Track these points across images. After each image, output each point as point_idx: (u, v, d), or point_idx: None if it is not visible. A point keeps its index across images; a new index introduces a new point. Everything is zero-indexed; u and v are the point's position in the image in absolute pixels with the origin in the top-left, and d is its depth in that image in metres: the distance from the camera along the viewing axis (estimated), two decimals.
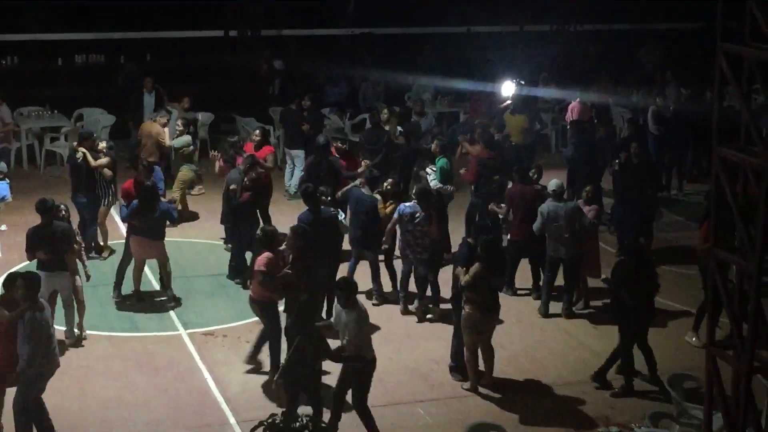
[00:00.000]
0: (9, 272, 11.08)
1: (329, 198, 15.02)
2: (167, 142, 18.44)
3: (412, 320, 14.48)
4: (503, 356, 13.40)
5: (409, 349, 13.51)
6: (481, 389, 12.52)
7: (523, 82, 21.81)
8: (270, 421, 8.91)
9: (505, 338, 13.98)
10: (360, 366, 10.96)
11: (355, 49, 28.27)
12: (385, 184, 15.22)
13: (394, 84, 25.46)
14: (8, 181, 16.67)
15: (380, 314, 14.40)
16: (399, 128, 19.40)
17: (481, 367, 12.68)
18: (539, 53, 26.76)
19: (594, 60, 27.14)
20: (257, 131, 18.08)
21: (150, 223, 14.24)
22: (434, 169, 17.01)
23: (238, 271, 15.54)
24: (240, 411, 11.83)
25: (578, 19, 28.21)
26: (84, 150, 16.17)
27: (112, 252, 16.22)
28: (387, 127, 19.38)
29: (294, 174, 19.83)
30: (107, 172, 16.25)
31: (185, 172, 18.10)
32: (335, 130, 21.22)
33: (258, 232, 12.96)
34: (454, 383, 12.72)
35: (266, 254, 12.37)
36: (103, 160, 16.27)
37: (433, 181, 16.76)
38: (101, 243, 16.57)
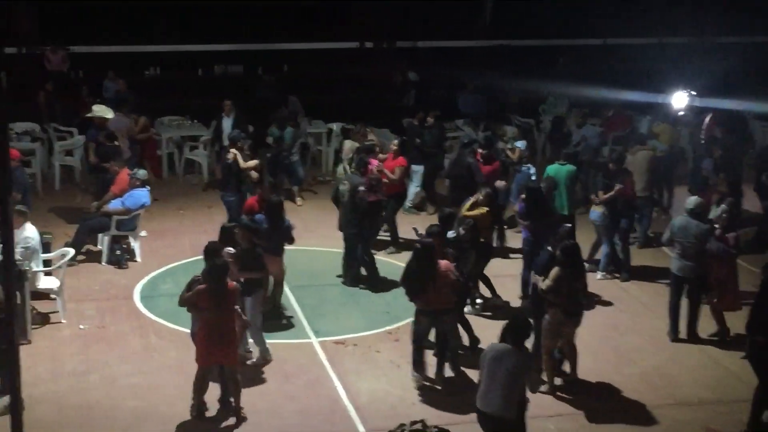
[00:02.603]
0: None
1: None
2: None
3: None
4: (635, 372, 13.23)
5: None
6: (600, 401, 12.39)
7: (695, 93, 21.61)
8: (398, 431, 8.94)
9: (638, 355, 13.78)
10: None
11: (489, 60, 28.23)
12: (480, 194, 15.15)
13: (528, 96, 25.35)
14: (149, 188, 17.07)
15: (494, 327, 14.31)
16: (518, 143, 19.28)
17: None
18: (678, 66, 26.34)
19: (733, 72, 26.56)
20: (396, 141, 18.30)
21: (273, 240, 14.26)
22: None
23: (359, 278, 15.95)
24: (369, 420, 11.87)
25: (717, 31, 27.68)
26: (235, 151, 16.96)
27: None
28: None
29: (410, 189, 19.84)
30: (254, 174, 17.06)
31: None
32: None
33: (419, 242, 12.71)
34: (582, 397, 12.53)
35: (446, 261, 12.52)
36: (252, 162, 17.17)
37: None
38: None
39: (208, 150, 22.24)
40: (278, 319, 14.52)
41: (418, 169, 19.79)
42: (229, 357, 11.62)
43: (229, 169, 17.11)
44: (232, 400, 11.82)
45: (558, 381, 12.69)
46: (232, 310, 11.54)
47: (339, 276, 16.12)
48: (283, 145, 20.06)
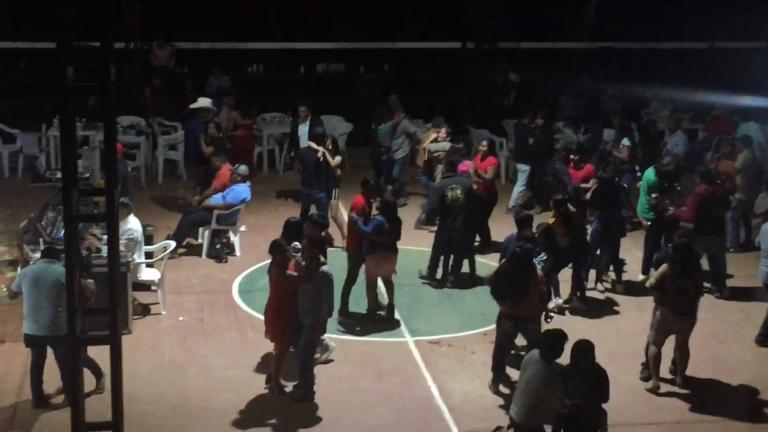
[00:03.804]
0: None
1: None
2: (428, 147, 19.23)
3: (642, 339, 13.74)
4: (734, 382, 13.00)
5: (636, 369, 13.11)
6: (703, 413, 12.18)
7: None
8: None
9: (737, 364, 13.53)
10: None
11: (591, 63, 27.95)
12: (553, 199, 15.08)
13: (632, 99, 25.06)
14: (249, 184, 17.26)
15: (608, 332, 14.19)
16: (624, 142, 19.08)
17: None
18: None
19: None
20: (484, 141, 18.28)
21: (392, 237, 14.25)
22: None
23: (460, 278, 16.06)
24: (462, 421, 11.84)
25: None
26: (324, 150, 17.29)
27: None
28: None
29: (516, 188, 19.73)
30: (339, 171, 17.59)
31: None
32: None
33: (519, 247, 12.55)
34: (681, 406, 12.35)
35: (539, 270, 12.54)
36: (338, 159, 17.65)
37: None
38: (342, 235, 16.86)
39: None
40: (374, 318, 14.57)
41: (525, 169, 19.68)
42: (273, 337, 12.18)
43: (317, 166, 17.27)
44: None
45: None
46: (278, 294, 11.96)
47: (435, 279, 16.18)
48: (379, 140, 20.10)
